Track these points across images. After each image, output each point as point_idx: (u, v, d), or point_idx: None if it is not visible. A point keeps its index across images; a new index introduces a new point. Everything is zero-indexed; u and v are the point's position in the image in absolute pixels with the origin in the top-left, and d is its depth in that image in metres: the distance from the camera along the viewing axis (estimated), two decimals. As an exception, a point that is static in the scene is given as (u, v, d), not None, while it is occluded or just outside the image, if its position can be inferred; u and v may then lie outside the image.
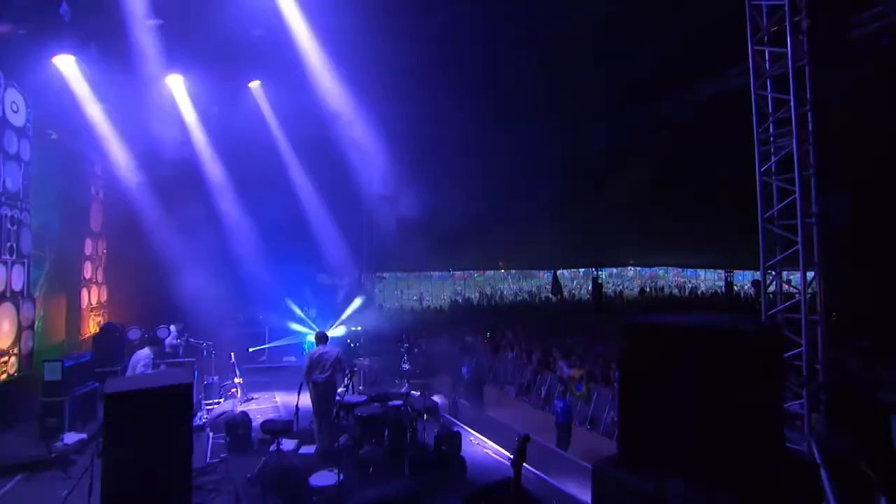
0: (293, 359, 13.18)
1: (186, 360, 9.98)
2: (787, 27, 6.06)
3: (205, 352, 9.91)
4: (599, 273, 28.04)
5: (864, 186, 10.05)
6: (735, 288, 29.25)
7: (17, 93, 8.40)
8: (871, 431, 5.06)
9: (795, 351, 5.95)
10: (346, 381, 7.13)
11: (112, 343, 10.15)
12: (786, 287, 6.56)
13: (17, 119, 8.47)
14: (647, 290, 32.10)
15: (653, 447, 3.32)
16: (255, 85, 11.59)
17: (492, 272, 30.19)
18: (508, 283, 31.76)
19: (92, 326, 11.84)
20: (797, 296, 6.13)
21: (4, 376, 7.93)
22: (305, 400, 6.91)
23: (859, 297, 12.40)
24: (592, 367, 11.80)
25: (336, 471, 5.48)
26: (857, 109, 9.03)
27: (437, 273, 27.60)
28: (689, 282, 34.36)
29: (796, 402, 5.86)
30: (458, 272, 28.59)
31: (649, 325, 3.52)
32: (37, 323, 9.14)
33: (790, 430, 5.38)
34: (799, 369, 5.88)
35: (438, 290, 28.27)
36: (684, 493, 2.96)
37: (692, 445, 3.11)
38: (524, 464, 2.96)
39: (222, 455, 7.06)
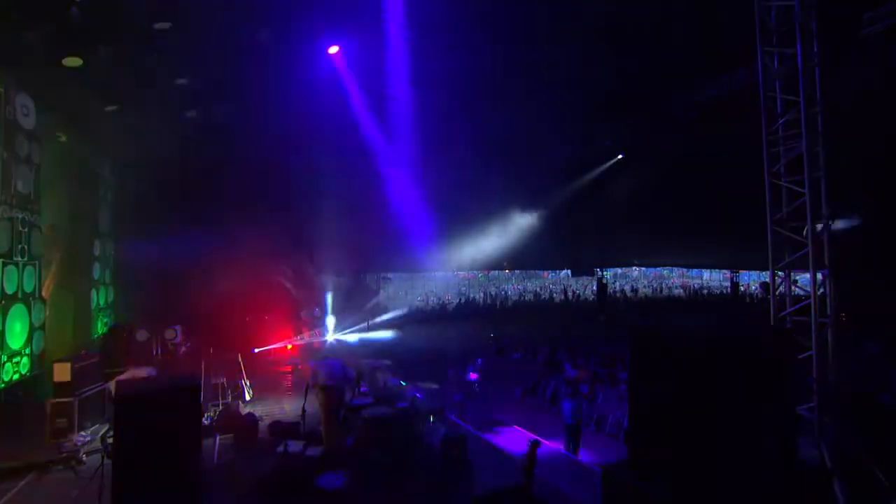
0: (299, 360, 13.22)
1: (194, 360, 10.03)
2: (797, 28, 6.01)
3: (212, 352, 9.95)
4: (604, 273, 27.91)
5: (874, 187, 9.94)
6: (741, 288, 29.02)
7: (27, 96, 8.49)
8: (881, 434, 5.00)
9: (805, 354, 5.90)
10: (353, 386, 7.15)
11: (119, 344, 10.23)
12: (794, 289, 6.50)
13: (28, 122, 8.55)
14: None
15: (663, 452, 3.31)
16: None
17: (496, 272, 30.09)
18: (513, 283, 31.70)
19: (100, 327, 11.94)
20: (805, 298, 6.08)
21: (16, 376, 8.01)
22: (312, 401, 6.95)
23: (869, 299, 12.27)
24: (598, 367, 11.75)
25: (343, 472, 5.50)
26: (868, 109, 8.94)
27: (441, 273, 27.54)
28: (694, 282, 34.14)
29: (807, 406, 5.81)
30: (462, 272, 28.51)
31: (659, 330, 3.50)
32: (46, 324, 9.24)
33: (801, 434, 5.33)
34: (808, 373, 5.83)
35: (443, 289, 28.24)
36: (696, 498, 2.94)
37: (703, 449, 3.10)
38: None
39: (230, 455, 7.09)
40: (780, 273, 6.48)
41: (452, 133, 13.84)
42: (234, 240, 12.96)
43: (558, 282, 30.88)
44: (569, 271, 29.59)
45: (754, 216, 7.13)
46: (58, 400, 7.38)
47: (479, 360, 11.50)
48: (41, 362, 8.77)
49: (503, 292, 30.49)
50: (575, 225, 21.29)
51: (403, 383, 9.40)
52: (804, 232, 6.03)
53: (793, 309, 6.24)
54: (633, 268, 33.22)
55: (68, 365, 7.58)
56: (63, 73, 8.33)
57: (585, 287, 31.32)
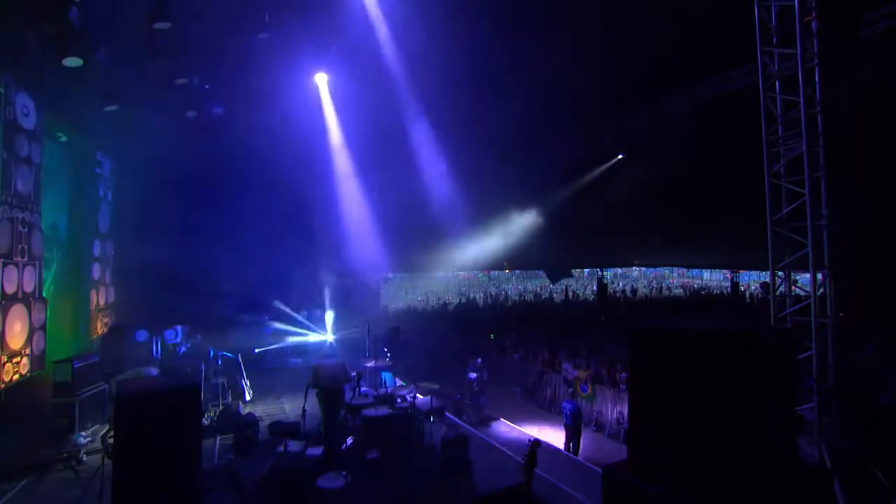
0: (300, 360, 13.23)
1: (194, 361, 10.03)
2: (797, 28, 6.01)
3: (211, 353, 9.96)
4: (604, 273, 27.94)
5: (873, 188, 9.95)
6: (741, 288, 29.04)
7: (27, 96, 8.48)
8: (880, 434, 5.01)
9: (805, 354, 5.90)
10: (352, 386, 7.15)
11: (119, 344, 10.22)
12: (794, 289, 6.51)
13: (28, 122, 8.55)
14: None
15: (663, 452, 3.31)
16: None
17: (496, 272, 30.12)
18: (513, 283, 31.75)
19: (100, 327, 11.94)
20: (805, 298, 6.08)
21: (17, 377, 8.01)
22: (312, 401, 6.95)
23: (867, 299, 12.28)
24: (598, 368, 11.75)
25: (344, 473, 5.50)
26: (868, 109, 8.94)
27: (441, 273, 27.57)
28: (694, 282, 34.17)
29: (806, 406, 5.81)
30: (462, 272, 28.54)
31: (659, 331, 3.50)
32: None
33: (801, 434, 5.34)
34: (808, 373, 5.84)
35: (443, 289, 28.27)
36: (696, 499, 2.95)
37: (703, 451, 3.10)
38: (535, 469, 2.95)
39: (229, 456, 7.10)
40: (780, 273, 6.49)
41: (452, 131, 13.86)
42: (234, 239, 12.98)
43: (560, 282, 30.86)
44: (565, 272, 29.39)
45: (754, 216, 7.15)
46: (58, 400, 7.39)
47: (479, 359, 11.50)
48: (41, 362, 8.77)
49: (503, 292, 30.51)
50: (573, 225, 21.30)
51: (404, 383, 9.40)
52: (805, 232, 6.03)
53: (793, 309, 6.24)
54: (633, 268, 33.26)
55: (68, 365, 7.58)
56: (63, 73, 8.33)
57: (585, 287, 31.35)
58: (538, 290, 30.97)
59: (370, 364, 8.86)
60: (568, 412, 8.55)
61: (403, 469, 6.28)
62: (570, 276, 26.05)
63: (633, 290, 31.76)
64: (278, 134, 12.13)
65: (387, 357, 9.47)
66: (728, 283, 30.72)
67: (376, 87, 11.56)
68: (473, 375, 10.98)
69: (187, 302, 11.50)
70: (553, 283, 26.86)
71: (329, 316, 14.14)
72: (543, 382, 12.27)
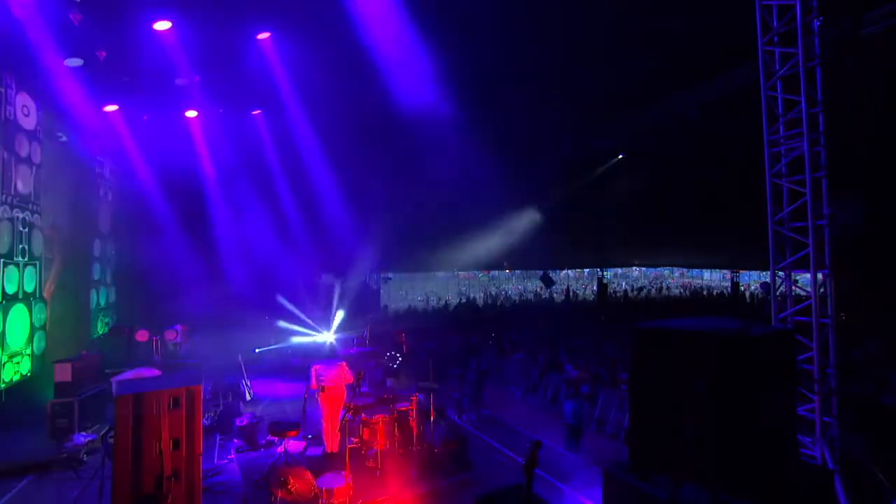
0: (300, 360, 13.21)
1: (194, 361, 10.04)
2: (798, 27, 6.00)
3: (211, 353, 9.96)
4: (604, 273, 27.95)
5: (874, 188, 9.95)
6: (741, 288, 29.01)
7: (28, 97, 8.50)
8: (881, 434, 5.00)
9: (806, 355, 5.89)
10: (353, 385, 7.15)
11: (120, 344, 10.23)
12: (795, 289, 6.49)
13: (29, 122, 8.56)
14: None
15: (663, 452, 3.31)
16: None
17: (496, 272, 30.10)
18: (513, 283, 31.70)
19: (100, 327, 11.95)
20: (806, 298, 6.07)
21: (17, 377, 8.01)
22: (312, 401, 6.95)
23: (868, 299, 12.28)
24: (598, 368, 11.73)
25: (344, 472, 5.50)
26: (868, 109, 8.94)
27: (441, 273, 27.57)
28: (694, 282, 34.15)
29: (807, 406, 5.80)
30: (462, 272, 28.52)
31: (660, 331, 3.50)
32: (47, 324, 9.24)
33: (802, 434, 5.33)
34: (809, 373, 5.82)
35: (443, 289, 28.24)
36: (697, 499, 2.94)
37: (703, 451, 3.10)
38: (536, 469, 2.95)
39: (230, 456, 7.10)
40: (780, 273, 6.48)
41: (451, 132, 13.86)
42: (234, 239, 12.98)
43: (559, 281, 30.84)
44: (569, 271, 29.39)
45: (754, 216, 7.14)
46: (58, 400, 7.39)
47: (478, 359, 11.49)
48: (42, 362, 8.77)
49: (503, 292, 30.48)
50: (573, 225, 21.32)
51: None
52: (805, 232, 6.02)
53: (794, 309, 6.23)
54: (633, 268, 33.25)
55: (69, 365, 7.59)
56: (63, 73, 8.33)
57: (585, 287, 31.34)
58: (538, 289, 30.92)
59: (371, 363, 8.86)
60: (568, 412, 8.53)
61: (404, 469, 6.27)
62: (553, 283, 26.20)
63: (635, 290, 31.74)
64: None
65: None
66: (728, 283, 30.69)
67: (373, 86, 11.56)
68: (471, 376, 10.96)
69: (187, 302, 11.50)
70: (547, 288, 26.98)
71: (329, 315, 14.14)
72: (543, 382, 12.25)
